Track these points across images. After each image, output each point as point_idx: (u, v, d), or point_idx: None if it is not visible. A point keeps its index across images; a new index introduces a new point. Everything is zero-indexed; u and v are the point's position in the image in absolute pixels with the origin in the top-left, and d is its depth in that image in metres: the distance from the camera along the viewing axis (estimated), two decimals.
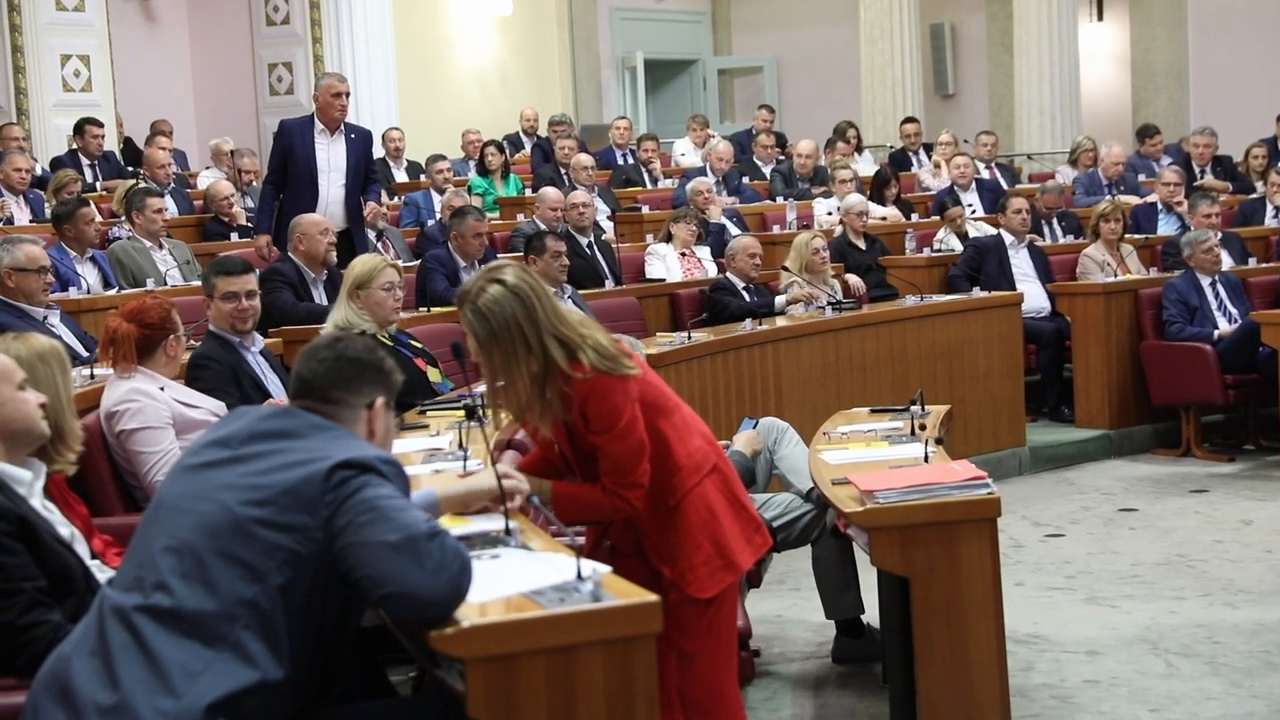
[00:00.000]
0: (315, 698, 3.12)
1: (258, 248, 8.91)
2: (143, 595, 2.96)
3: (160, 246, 9.15)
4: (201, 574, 2.95)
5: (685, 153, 15.51)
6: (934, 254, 10.79)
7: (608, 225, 11.31)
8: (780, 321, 8.58)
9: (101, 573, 3.68)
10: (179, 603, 2.93)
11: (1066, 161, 14.32)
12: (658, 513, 3.92)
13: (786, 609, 6.40)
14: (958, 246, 10.92)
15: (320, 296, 7.87)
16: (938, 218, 11.95)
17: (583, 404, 3.81)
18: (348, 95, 9.15)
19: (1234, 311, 9.56)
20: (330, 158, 8.99)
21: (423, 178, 13.35)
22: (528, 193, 12.71)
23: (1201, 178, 13.13)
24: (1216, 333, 9.40)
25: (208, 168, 13.86)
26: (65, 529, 3.68)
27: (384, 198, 10.55)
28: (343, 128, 9.06)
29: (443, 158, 12.87)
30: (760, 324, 8.28)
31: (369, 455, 3.05)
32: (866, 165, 14.07)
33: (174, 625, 2.92)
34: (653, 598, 3.02)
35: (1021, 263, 10.38)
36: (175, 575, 2.96)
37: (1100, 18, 18.76)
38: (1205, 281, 9.64)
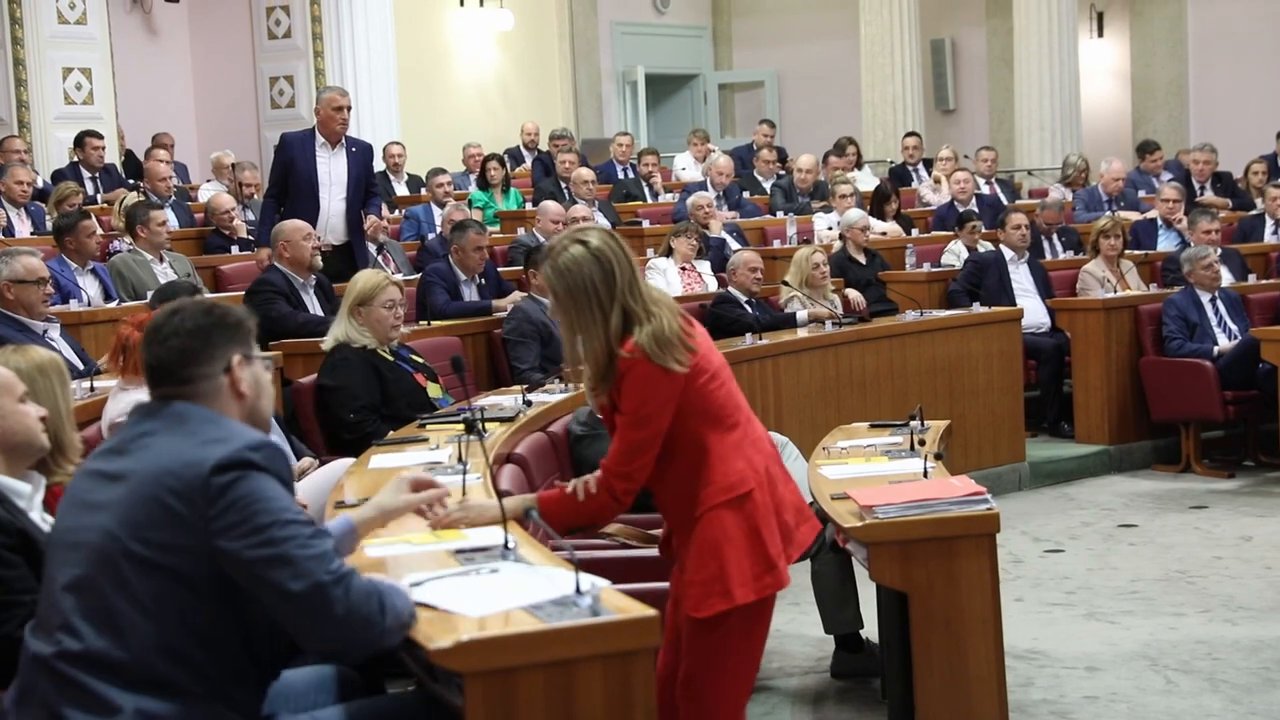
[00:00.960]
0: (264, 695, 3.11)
1: (259, 261, 8.92)
2: (54, 642, 2.93)
3: (161, 259, 9.15)
4: (104, 611, 2.91)
5: (686, 167, 15.53)
6: (934, 269, 10.78)
7: None
8: (801, 333, 8.64)
9: None
10: (88, 645, 2.90)
11: (1060, 180, 14.33)
12: (681, 521, 3.88)
13: (785, 624, 6.38)
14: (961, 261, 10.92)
15: (311, 301, 7.86)
16: (941, 232, 11.98)
17: (619, 380, 3.79)
18: (349, 109, 9.15)
19: (1234, 328, 9.56)
20: (331, 171, 8.99)
21: (423, 191, 13.37)
22: (528, 206, 12.73)
23: (1201, 194, 13.13)
24: (1216, 349, 9.40)
25: (209, 180, 13.88)
26: None
27: (384, 211, 10.56)
28: (344, 141, 9.06)
29: (443, 171, 12.90)
30: (760, 338, 8.28)
31: (238, 448, 2.94)
32: (867, 180, 14.07)
33: (89, 668, 2.89)
34: (651, 612, 3.01)
35: (1021, 278, 10.38)
36: (78, 615, 2.92)
37: (1100, 34, 18.79)
38: (1205, 298, 9.64)
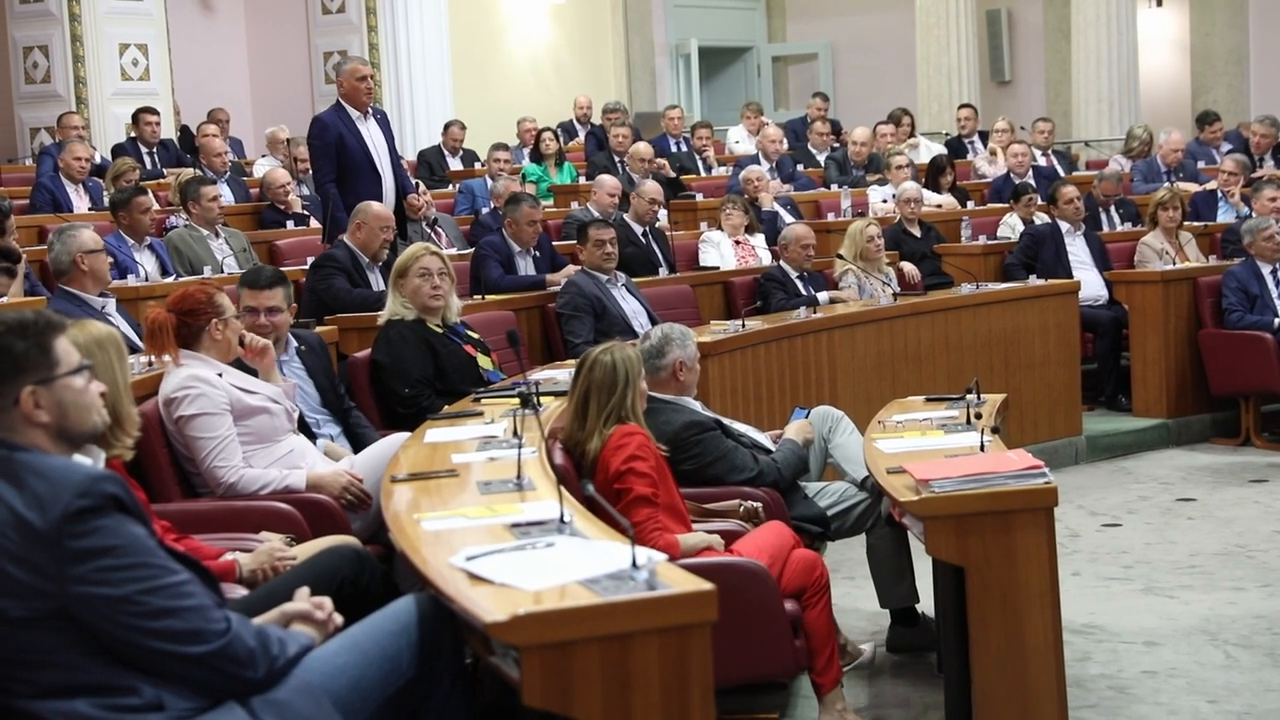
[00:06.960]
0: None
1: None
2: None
3: (217, 235, 9.19)
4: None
5: (739, 140, 15.48)
6: (990, 242, 10.72)
7: (661, 213, 11.29)
8: (854, 306, 8.62)
9: None
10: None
11: (1121, 152, 14.17)
12: None
13: (841, 598, 6.34)
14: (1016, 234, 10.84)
15: (375, 280, 7.84)
16: (996, 204, 11.89)
17: None
18: (372, 77, 8.99)
19: None
20: (375, 141, 8.79)
21: (478, 165, 13.38)
22: (582, 180, 12.71)
23: (1261, 165, 12.98)
24: (1277, 321, 9.31)
25: (264, 156, 13.95)
26: None
27: (423, 186, 10.60)
28: (370, 110, 8.82)
29: (505, 147, 12.86)
30: (814, 312, 8.26)
31: (68, 497, 2.82)
32: (924, 153, 13.99)
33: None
34: (708, 586, 3.01)
35: (1078, 250, 10.30)
36: None
37: (1159, 3, 18.57)
38: (1266, 269, 9.54)
